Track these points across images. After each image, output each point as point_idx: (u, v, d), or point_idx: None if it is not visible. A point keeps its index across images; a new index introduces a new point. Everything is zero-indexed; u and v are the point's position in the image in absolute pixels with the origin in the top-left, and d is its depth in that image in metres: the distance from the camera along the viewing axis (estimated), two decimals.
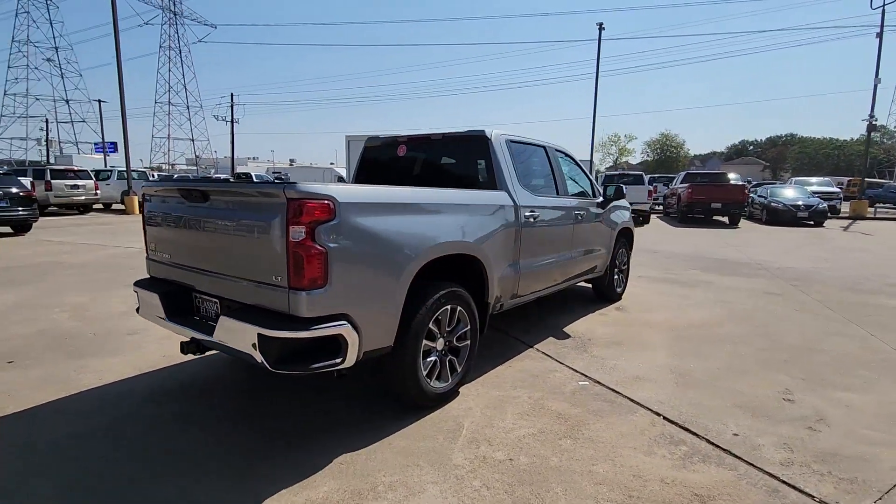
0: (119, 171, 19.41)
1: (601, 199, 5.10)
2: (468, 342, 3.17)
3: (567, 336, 4.41)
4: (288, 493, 2.14)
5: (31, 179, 14.99)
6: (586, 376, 3.51)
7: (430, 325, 2.83)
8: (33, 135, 58.07)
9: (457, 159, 3.91)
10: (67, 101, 59.96)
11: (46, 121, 44.85)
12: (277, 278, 2.27)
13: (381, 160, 4.36)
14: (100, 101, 40.28)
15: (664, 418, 2.90)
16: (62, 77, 60.38)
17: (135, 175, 19.01)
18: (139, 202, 17.65)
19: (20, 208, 11.01)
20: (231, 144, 39.19)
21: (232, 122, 39.03)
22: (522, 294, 3.86)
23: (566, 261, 4.40)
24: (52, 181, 16.23)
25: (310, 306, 2.23)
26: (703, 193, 15.88)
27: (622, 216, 5.62)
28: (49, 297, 5.53)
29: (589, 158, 25.82)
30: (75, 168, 17.87)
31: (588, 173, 5.17)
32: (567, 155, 4.90)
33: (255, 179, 32.34)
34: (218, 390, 3.21)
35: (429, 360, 2.90)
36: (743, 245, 11.03)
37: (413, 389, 2.78)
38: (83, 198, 17.02)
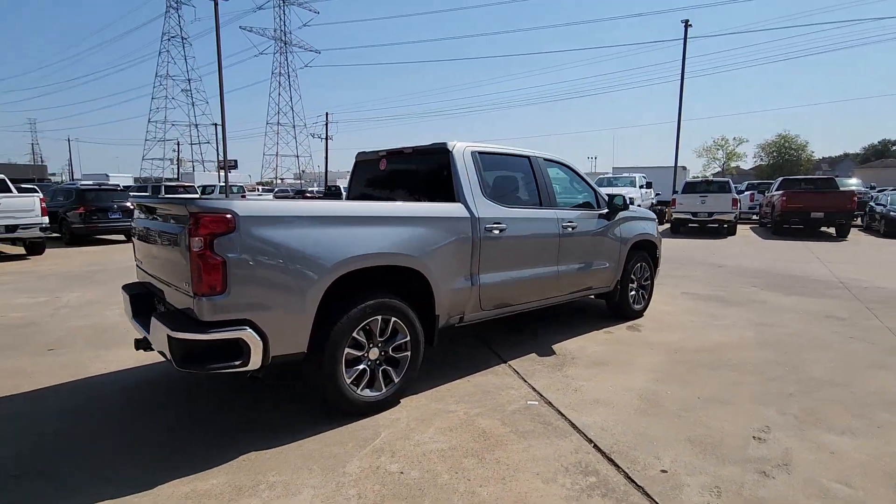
0: (221, 187, 21.80)
1: (606, 210, 4.82)
2: (407, 353, 3.20)
3: (552, 353, 4.22)
4: (179, 483, 2.34)
5: (148, 194, 17.42)
6: (541, 396, 3.35)
7: (355, 335, 2.91)
8: (169, 156, 66.87)
9: (425, 172, 3.96)
10: (196, 126, 68.47)
11: (178, 143, 51.63)
12: (187, 285, 2.50)
13: (367, 173, 4.53)
14: (215, 124, 45.48)
15: (594, 446, 2.70)
16: (192, 105, 69.18)
17: (234, 189, 21.24)
18: None
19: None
20: (325, 159, 42.19)
21: (326, 138, 42.08)
22: (489, 308, 3.78)
23: (551, 275, 4.22)
24: (166, 195, 18.68)
25: (209, 311, 2.44)
26: (800, 202, 14.12)
27: (637, 228, 5.24)
28: (115, 295, 6.42)
29: (673, 165, 24.07)
30: (185, 184, 20.41)
31: (591, 184, 4.91)
32: (564, 165, 4.72)
33: (343, 191, 34.59)
34: (185, 386, 3.54)
35: (356, 368, 2.97)
36: (835, 260, 9.66)
37: (334, 396, 2.88)
38: None
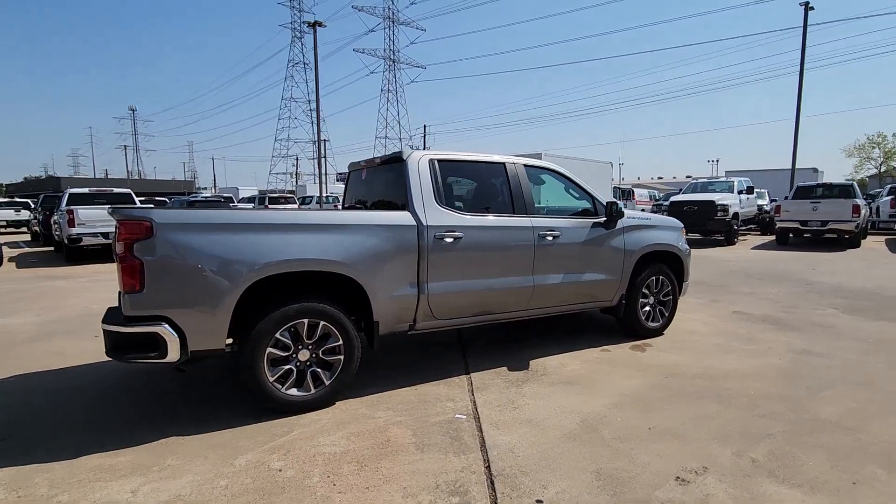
0: (317, 197, 23.72)
1: (604, 218, 4.47)
2: (340, 357, 3.28)
3: (524, 368, 4.02)
4: (96, 457, 2.66)
5: (254, 205, 19.56)
6: (475, 411, 3.23)
7: (279, 336, 3.07)
8: (291, 170, 73.99)
9: (389, 181, 4.01)
10: (314, 142, 75.03)
11: (297, 158, 56.95)
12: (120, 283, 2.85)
13: (355, 183, 4.72)
14: (323, 140, 49.54)
15: (486, 466, 2.55)
16: (311, 123, 75.97)
17: (329, 200, 22.97)
18: None
19: None
20: None
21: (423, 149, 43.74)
22: (446, 317, 3.73)
23: (524, 286, 4.02)
24: (269, 206, 20.80)
25: (130, 307, 2.76)
26: None
27: (649, 237, 4.77)
28: None
29: (790, 167, 21.13)
30: (287, 195, 22.53)
31: (590, 191, 4.58)
32: (553, 172, 4.49)
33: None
34: (160, 372, 3.93)
35: (282, 368, 3.12)
36: None
37: (256, 393, 3.06)
38: None
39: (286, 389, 3.14)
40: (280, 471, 2.52)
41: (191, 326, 2.84)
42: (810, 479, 2.42)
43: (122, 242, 2.73)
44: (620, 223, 4.57)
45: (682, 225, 5.24)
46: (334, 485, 2.39)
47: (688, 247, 5.22)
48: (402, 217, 3.53)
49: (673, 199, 16.49)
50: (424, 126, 43.01)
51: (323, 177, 28.07)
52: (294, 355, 3.16)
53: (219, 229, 2.93)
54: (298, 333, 3.15)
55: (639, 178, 79.66)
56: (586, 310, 4.65)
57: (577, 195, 4.60)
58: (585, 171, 20.08)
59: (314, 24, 21.24)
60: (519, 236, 3.99)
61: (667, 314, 5.02)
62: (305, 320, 3.14)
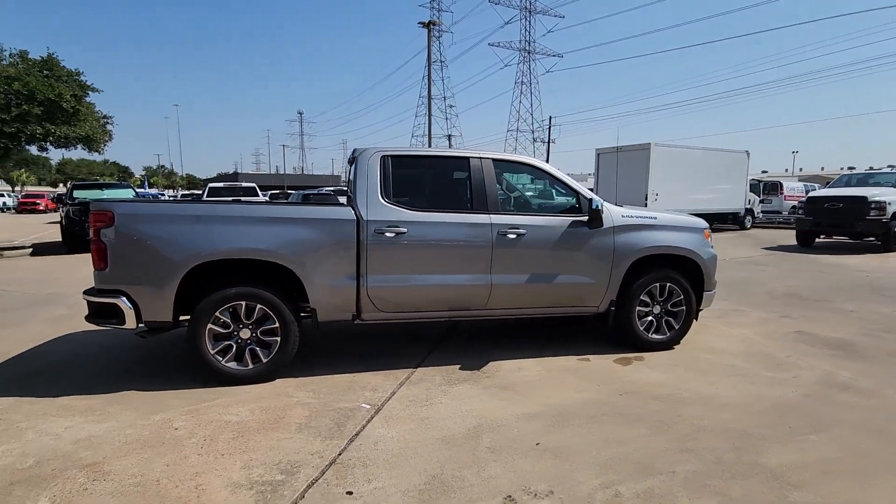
0: None
1: (586, 217, 4.10)
2: (277, 338, 3.59)
3: (476, 368, 3.92)
4: (68, 398, 3.32)
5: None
6: (385, 403, 3.29)
7: (219, 314, 3.48)
8: None
9: (351, 178, 4.17)
10: (449, 137, 77.77)
11: None
12: None
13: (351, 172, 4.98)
14: (449, 135, 50.96)
15: (338, 454, 2.64)
16: (446, 119, 78.87)
17: None
18: None
19: None
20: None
21: (548, 142, 42.57)
22: (390, 310, 3.82)
23: (480, 285, 3.91)
24: None
25: (98, 282, 3.38)
26: None
27: (650, 239, 4.23)
28: None
29: None
30: None
31: (577, 187, 4.22)
32: (532, 167, 4.26)
33: None
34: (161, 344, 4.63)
35: (223, 343, 3.54)
36: None
37: (200, 363, 3.51)
38: None
39: (226, 362, 3.54)
40: (176, 429, 2.91)
41: (143, 301, 3.38)
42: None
43: (92, 228, 3.36)
44: (610, 222, 4.16)
45: (704, 226, 4.54)
46: (202, 447, 2.70)
47: (712, 251, 4.51)
48: (341, 212, 3.70)
49: (812, 194, 13.90)
50: (550, 118, 41.94)
51: None
52: (236, 333, 3.56)
53: (168, 220, 3.44)
54: (238, 314, 3.53)
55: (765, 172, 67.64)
56: (569, 314, 4.32)
57: (563, 192, 4.29)
58: (716, 163, 17.85)
59: (428, 24, 22.09)
60: (473, 233, 3.89)
61: (676, 326, 4.42)
62: (243, 302, 3.51)
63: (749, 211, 19.35)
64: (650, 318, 4.37)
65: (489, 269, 3.93)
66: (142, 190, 36.83)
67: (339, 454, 2.64)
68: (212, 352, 3.51)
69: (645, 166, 15.87)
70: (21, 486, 2.33)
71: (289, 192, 21.86)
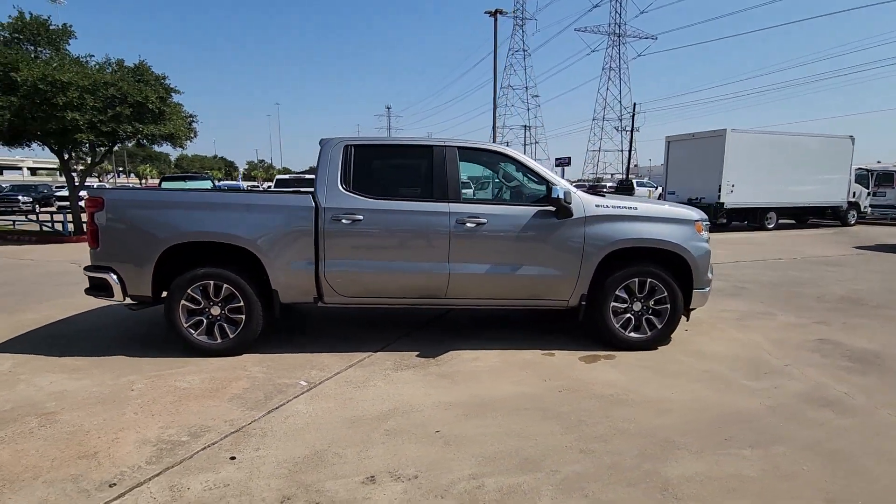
0: None
1: (553, 207, 3.93)
2: (242, 316, 3.89)
3: (431, 357, 3.95)
4: (68, 359, 3.86)
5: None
6: (323, 382, 3.45)
7: (190, 292, 3.84)
8: None
9: (317, 165, 4.31)
10: (527, 128, 76.40)
11: (507, 144, 59.02)
12: None
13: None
14: (526, 126, 49.87)
15: (250, 423, 2.84)
16: (528, 109, 77.41)
17: None
18: None
19: None
20: (628, 153, 40.58)
21: (632, 130, 40.34)
22: (350, 294, 3.96)
23: (438, 274, 3.92)
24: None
25: (92, 259, 3.88)
26: None
27: (630, 231, 3.95)
28: None
29: None
30: None
31: (547, 175, 4.05)
32: (500, 154, 4.16)
33: (635, 187, 32.89)
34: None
35: (194, 317, 3.90)
36: None
37: (176, 334, 3.90)
38: None
39: (198, 335, 3.90)
40: (132, 391, 3.29)
41: (127, 277, 3.83)
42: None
43: (88, 212, 3.86)
44: (582, 212, 3.96)
45: (696, 217, 4.15)
46: (142, 407, 3.03)
47: (704, 245, 4.12)
48: (301, 199, 3.90)
49: None
50: (634, 105, 39.50)
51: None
52: (206, 309, 3.90)
53: (146, 206, 3.85)
54: (207, 292, 3.87)
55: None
56: (538, 307, 4.19)
57: (535, 181, 4.15)
58: (811, 151, 15.92)
59: (495, 13, 21.81)
60: (430, 221, 3.90)
61: (659, 326, 4.12)
62: (211, 282, 3.84)
63: (853, 205, 17.02)
64: (629, 315, 4.11)
65: (447, 257, 3.93)
66: (226, 182, 40.67)
67: (249, 424, 2.84)
68: (185, 325, 3.88)
69: (719, 155, 14.54)
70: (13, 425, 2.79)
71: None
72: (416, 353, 4.05)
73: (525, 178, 4.26)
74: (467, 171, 4.64)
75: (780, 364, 3.83)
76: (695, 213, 4.18)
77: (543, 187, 4.07)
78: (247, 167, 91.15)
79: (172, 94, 13.10)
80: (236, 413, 2.97)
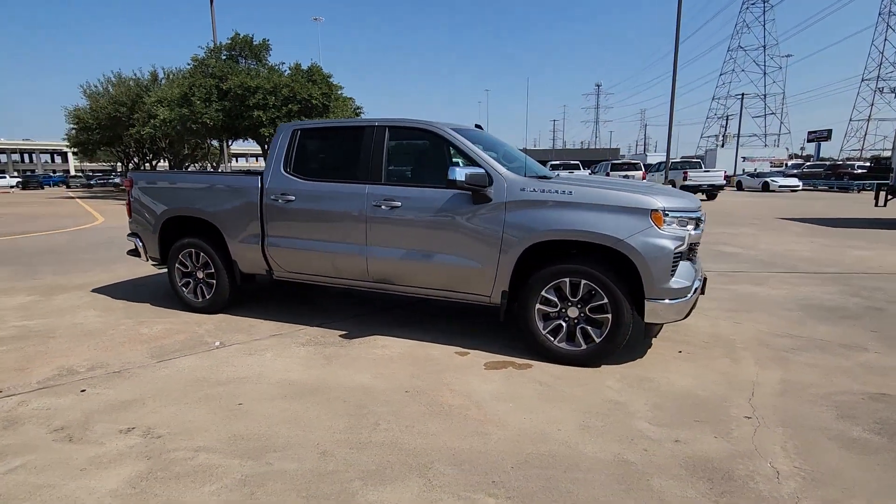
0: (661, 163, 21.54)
1: (468, 191, 3.49)
2: (214, 281, 4.54)
3: (355, 338, 3.98)
4: (119, 302, 5.09)
5: (642, 172, 20.31)
6: (232, 345, 3.84)
7: (181, 258, 4.65)
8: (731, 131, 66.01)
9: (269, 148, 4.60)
10: (764, 97, 63.70)
11: (726, 118, 50.76)
12: None
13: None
14: (765, 95, 41.26)
15: (130, 368, 3.40)
16: (764, 74, 64.41)
17: (678, 167, 20.58)
18: None
19: None
20: None
21: None
22: (291, 271, 4.26)
23: (357, 256, 3.89)
24: (610, 172, 20.79)
25: (129, 227, 5.00)
26: None
27: (560, 220, 3.26)
28: None
29: None
30: (631, 161, 21.65)
31: (475, 154, 3.58)
32: (428, 132, 3.86)
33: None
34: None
35: (186, 280, 4.70)
36: None
37: (174, 292, 4.77)
38: None
39: (187, 293, 4.71)
40: (113, 331, 4.20)
41: (146, 242, 4.84)
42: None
43: (126, 189, 4.96)
44: (504, 196, 3.46)
45: (656, 206, 3.17)
46: (102, 341, 3.88)
47: (661, 243, 3.15)
48: (250, 181, 4.30)
49: None
50: None
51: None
52: (193, 273, 4.67)
53: (155, 187, 4.76)
54: (192, 258, 4.63)
55: None
56: (461, 300, 3.79)
57: (464, 161, 3.74)
58: None
59: None
60: (349, 203, 3.89)
61: (597, 339, 3.33)
62: (192, 250, 4.58)
63: None
64: (560, 321, 3.43)
65: (365, 239, 3.88)
66: None
67: (136, 368, 3.40)
68: (179, 284, 4.73)
69: None
70: (9, 341, 3.97)
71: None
72: (344, 332, 4.12)
73: (459, 159, 3.86)
74: (496, 150, 4.40)
75: (738, 413, 2.74)
76: (657, 201, 3.20)
77: (480, 169, 3.63)
78: None
79: (339, 90, 15.17)
80: (140, 358, 3.58)
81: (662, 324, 3.47)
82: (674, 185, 20.23)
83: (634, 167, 21.12)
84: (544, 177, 3.79)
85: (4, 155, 77.86)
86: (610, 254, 3.27)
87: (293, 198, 4.09)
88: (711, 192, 20.61)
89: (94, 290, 5.54)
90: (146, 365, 3.46)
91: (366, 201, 3.84)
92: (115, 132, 26.10)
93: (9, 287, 5.73)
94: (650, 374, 3.29)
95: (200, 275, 4.64)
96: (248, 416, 2.74)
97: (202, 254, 4.56)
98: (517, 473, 2.23)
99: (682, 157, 31.47)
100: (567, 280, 3.35)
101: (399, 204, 3.74)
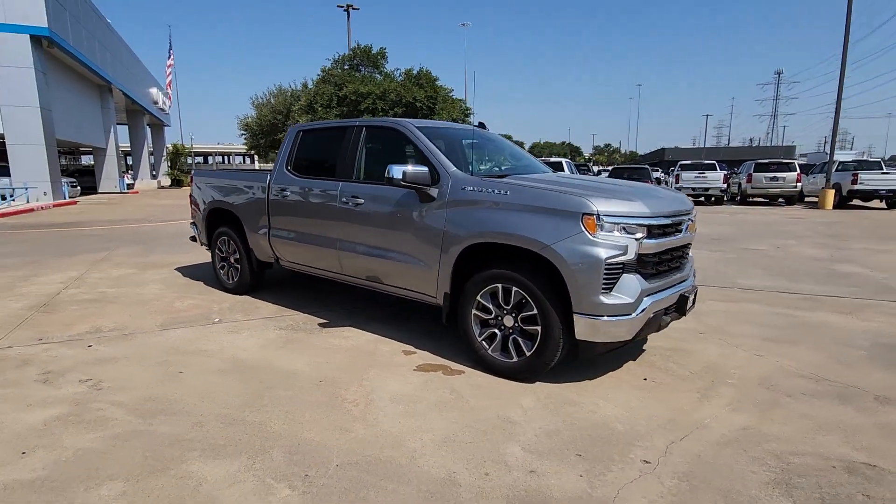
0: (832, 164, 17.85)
1: (413, 190, 3.46)
2: (238, 266, 5.15)
3: (332, 327, 4.21)
4: (184, 279, 6.04)
5: (724, 173, 17.90)
6: (225, 322, 4.34)
7: (218, 243, 5.35)
8: None
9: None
10: None
11: None
12: None
13: None
14: None
15: (135, 334, 4.05)
16: None
17: (841, 168, 17.02)
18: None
19: None
20: None
21: None
22: (291, 261, 4.65)
23: (332, 251, 4.10)
24: (754, 174, 18.07)
25: (191, 216, 5.88)
26: None
27: (488, 222, 3.08)
28: None
29: None
30: (781, 161, 18.46)
31: (429, 151, 3.51)
32: (390, 129, 3.91)
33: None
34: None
35: (222, 264, 5.40)
36: None
37: (215, 275, 5.51)
38: (778, 189, 17.75)
39: (224, 275, 5.40)
40: (158, 300, 5.03)
41: (200, 229, 5.66)
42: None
43: (191, 183, 5.85)
44: (447, 195, 3.38)
45: (585, 210, 2.80)
46: (138, 310, 4.68)
47: (593, 251, 2.76)
48: (262, 177, 4.77)
49: None
50: None
51: (833, 136, 20.55)
52: (228, 256, 5.34)
53: (203, 182, 5.52)
54: (227, 242, 5.29)
55: None
56: (415, 300, 3.75)
57: (420, 159, 3.70)
58: None
59: None
60: (324, 200, 4.13)
61: (527, 353, 3.07)
62: (225, 237, 5.25)
63: None
64: (495, 329, 3.23)
65: (336, 234, 4.08)
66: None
67: (142, 334, 4.05)
68: (217, 266, 5.45)
69: None
70: (85, 303, 4.99)
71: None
72: (324, 322, 4.37)
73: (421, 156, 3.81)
74: (488, 149, 4.45)
75: (638, 456, 2.32)
76: (592, 204, 2.82)
77: (422, 167, 3.58)
78: (592, 151, 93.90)
79: (447, 91, 15.66)
80: (151, 326, 4.24)
81: (610, 343, 3.02)
82: (839, 189, 16.82)
83: (786, 168, 18.01)
84: (502, 176, 3.58)
85: (210, 157, 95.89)
86: (541, 261, 2.98)
87: (288, 194, 4.46)
88: (893, 198, 16.60)
89: (176, 269, 6.63)
90: (150, 331, 4.10)
91: (338, 198, 4.03)
92: (274, 137, 30.36)
93: (122, 262, 7.14)
94: (582, 398, 2.92)
95: (232, 259, 5.29)
96: (176, 382, 3.12)
97: (231, 241, 5.20)
98: (337, 472, 2.21)
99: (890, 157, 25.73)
100: (499, 286, 3.13)
101: (362, 201, 3.85)
